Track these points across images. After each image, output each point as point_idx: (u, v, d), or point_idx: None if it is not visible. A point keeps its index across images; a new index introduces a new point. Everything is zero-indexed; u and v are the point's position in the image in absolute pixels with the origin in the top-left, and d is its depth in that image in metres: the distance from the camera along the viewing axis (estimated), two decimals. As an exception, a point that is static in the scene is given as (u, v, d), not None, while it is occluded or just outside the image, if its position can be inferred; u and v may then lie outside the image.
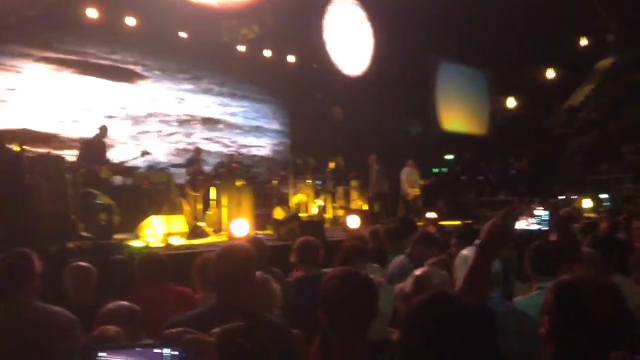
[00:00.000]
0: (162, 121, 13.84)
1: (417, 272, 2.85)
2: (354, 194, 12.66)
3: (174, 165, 11.12)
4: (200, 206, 9.99)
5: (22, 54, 11.57)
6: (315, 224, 8.45)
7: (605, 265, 3.35)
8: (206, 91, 15.15)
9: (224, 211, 9.19)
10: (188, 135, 14.26)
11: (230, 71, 15.24)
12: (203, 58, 14.32)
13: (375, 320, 2.01)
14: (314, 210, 11.47)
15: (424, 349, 1.36)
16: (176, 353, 1.22)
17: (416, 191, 12.75)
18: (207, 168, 11.20)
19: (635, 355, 1.60)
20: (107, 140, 9.59)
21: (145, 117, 13.46)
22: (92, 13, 11.81)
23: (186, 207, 9.51)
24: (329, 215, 11.93)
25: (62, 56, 12.22)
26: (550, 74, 17.45)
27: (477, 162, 17.62)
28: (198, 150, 10.97)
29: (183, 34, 13.41)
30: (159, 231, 7.38)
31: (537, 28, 15.93)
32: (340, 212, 11.99)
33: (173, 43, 13.33)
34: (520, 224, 2.15)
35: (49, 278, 3.10)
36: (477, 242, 1.97)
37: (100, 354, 1.22)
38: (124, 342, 2.10)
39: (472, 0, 14.46)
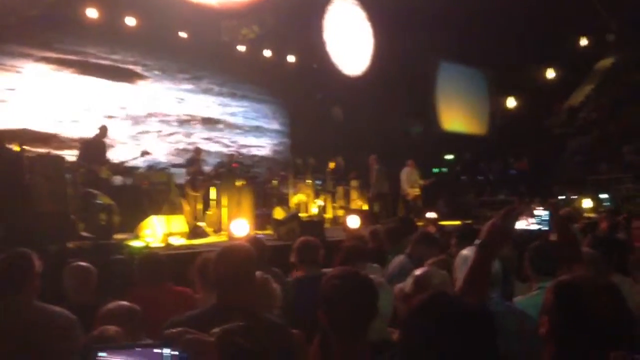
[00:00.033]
0: (162, 121, 13.85)
1: (417, 272, 2.85)
2: (354, 194, 12.66)
3: (174, 165, 11.12)
4: (200, 206, 9.99)
5: (22, 54, 11.57)
6: (315, 224, 8.45)
7: (605, 265, 3.35)
8: (206, 91, 15.15)
9: (224, 211, 9.19)
10: (188, 135, 14.26)
11: (230, 71, 15.25)
12: (203, 58, 14.33)
13: (375, 320, 2.01)
14: (314, 210, 11.47)
15: (423, 349, 1.36)
16: (176, 353, 1.22)
17: (416, 191, 12.75)
18: (207, 168, 11.21)
19: (635, 355, 1.60)
20: (107, 140, 9.59)
21: (145, 117, 13.47)
22: (92, 13, 11.81)
23: (186, 207, 9.51)
24: (329, 215, 11.93)
25: (62, 56, 12.23)
26: (550, 74, 17.44)
27: (477, 162, 17.62)
28: (198, 150, 10.97)
29: (183, 34, 13.41)
30: (159, 231, 7.38)
31: (537, 28, 15.93)
32: (340, 212, 11.99)
33: (173, 43, 13.33)
34: (520, 224, 2.14)
35: (49, 278, 3.10)
36: (477, 242, 1.97)
37: (100, 354, 1.21)
38: (124, 342, 2.10)
39: (472, 0, 14.46)
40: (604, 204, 12.44)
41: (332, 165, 12.79)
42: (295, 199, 11.54)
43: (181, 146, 13.84)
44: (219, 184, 9.78)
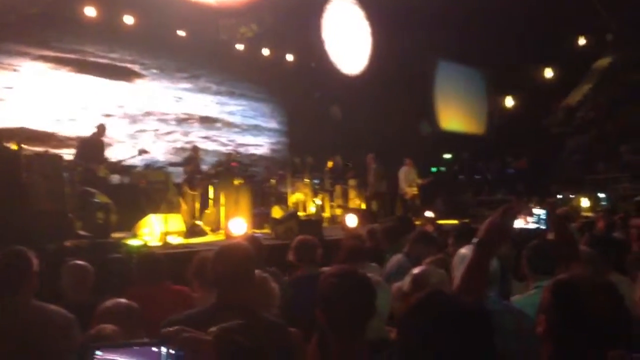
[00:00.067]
0: (160, 120, 13.82)
1: (415, 270, 2.85)
2: (352, 193, 12.67)
3: (172, 164, 11.11)
4: (198, 205, 9.98)
5: (19, 53, 11.55)
6: (313, 223, 8.46)
7: (602, 264, 3.35)
8: (204, 90, 15.13)
9: (222, 210, 9.18)
10: (186, 134, 14.24)
11: (229, 70, 15.23)
12: (201, 57, 14.30)
13: (373, 319, 2.01)
14: (312, 209, 11.48)
15: (421, 347, 1.36)
16: (173, 351, 1.22)
17: (414, 190, 12.76)
18: (204, 167, 11.19)
19: (633, 354, 1.60)
20: (105, 139, 9.58)
21: (143, 116, 13.44)
22: (90, 11, 11.79)
23: (184, 206, 9.50)
24: (327, 214, 11.94)
25: (60, 55, 12.20)
26: (549, 73, 17.46)
27: (475, 162, 17.63)
28: (195, 149, 10.95)
29: (181, 33, 13.39)
30: (156, 230, 7.38)
31: (535, 28, 15.95)
32: (339, 211, 11.99)
33: (171, 42, 13.31)
34: (519, 223, 2.15)
35: (47, 277, 3.09)
36: (475, 240, 1.97)
37: (97, 352, 1.21)
38: (121, 341, 2.10)
39: (471, 0, 14.47)
40: (602, 203, 12.47)
41: (330, 164, 12.79)
42: (293, 198, 11.54)
43: (179, 145, 13.82)
44: (217, 182, 9.77)
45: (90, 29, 12.03)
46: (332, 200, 12.50)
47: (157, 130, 13.65)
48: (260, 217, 9.89)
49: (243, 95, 15.99)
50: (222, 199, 9.21)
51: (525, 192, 14.08)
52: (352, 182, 12.78)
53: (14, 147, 6.85)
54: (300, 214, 10.23)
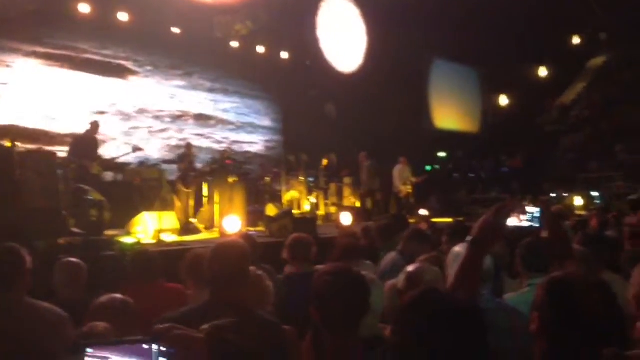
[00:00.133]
0: (154, 117, 13.78)
1: (410, 268, 2.86)
2: (347, 191, 12.67)
3: (166, 162, 11.07)
4: (192, 203, 9.96)
5: (12, 49, 11.47)
6: (308, 221, 8.46)
7: (595, 262, 3.36)
8: (198, 87, 15.09)
9: (216, 208, 9.16)
10: (180, 131, 14.19)
11: (223, 67, 15.19)
12: (195, 54, 14.25)
13: (367, 316, 2.01)
14: (306, 207, 11.47)
15: (415, 345, 1.36)
16: (164, 349, 1.22)
17: (408, 188, 12.78)
18: (198, 164, 11.16)
19: (626, 352, 1.60)
20: (98, 137, 9.54)
21: (136, 113, 13.40)
22: (84, 8, 11.71)
23: (178, 204, 9.48)
24: (321, 212, 11.94)
25: (53, 51, 12.13)
26: (543, 72, 17.52)
27: (470, 160, 17.67)
28: (189, 146, 10.92)
29: (175, 30, 13.33)
30: (150, 228, 7.36)
31: (530, 26, 15.99)
32: (333, 209, 12.00)
33: (165, 39, 13.25)
34: (512, 221, 2.15)
35: (40, 274, 3.08)
36: (468, 238, 1.98)
37: (88, 350, 1.21)
38: (112, 338, 2.09)
39: (466, -1, 14.51)
40: (595, 201, 12.53)
41: (325, 162, 12.79)
42: (288, 195, 11.53)
43: (173, 142, 13.77)
44: (211, 180, 9.75)
45: (84, 26, 11.96)
46: (326, 198, 12.50)
47: (150, 127, 13.61)
48: (254, 215, 9.88)
49: (237, 93, 15.96)
50: (217, 197, 9.20)
51: (520, 190, 14.13)
52: (346, 180, 12.79)
53: (7, 144, 6.83)
54: (295, 211, 10.23)
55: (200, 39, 13.67)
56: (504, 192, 14.65)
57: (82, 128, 9.56)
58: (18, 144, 7.90)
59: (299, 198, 11.54)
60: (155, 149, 13.09)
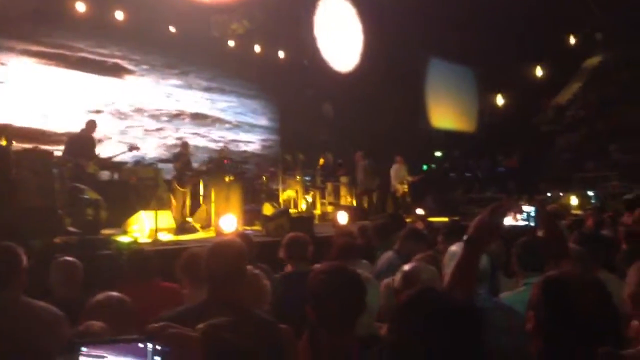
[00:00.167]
0: (150, 116, 13.75)
1: (406, 267, 2.86)
2: (343, 190, 12.67)
3: (162, 161, 11.04)
4: (188, 202, 9.94)
5: (8, 48, 11.42)
6: (304, 220, 8.45)
7: (591, 261, 3.37)
8: (195, 86, 15.06)
9: (213, 207, 9.14)
10: (176, 130, 14.17)
11: (220, 66, 15.16)
12: (192, 53, 14.22)
13: (363, 315, 2.01)
14: (303, 206, 11.47)
15: (411, 344, 1.36)
16: (159, 347, 1.22)
17: (404, 187, 12.79)
18: (195, 163, 11.14)
19: (621, 351, 1.61)
20: (94, 135, 9.51)
21: (132, 112, 13.37)
22: (80, 7, 11.69)
23: (174, 203, 9.46)
24: (318, 211, 11.93)
25: (49, 50, 12.09)
26: (539, 72, 17.57)
27: (466, 159, 17.70)
28: (185, 145, 10.90)
29: (172, 29, 13.31)
30: (146, 227, 7.34)
31: (526, 26, 16.03)
32: (330, 208, 11.99)
33: (162, 38, 13.22)
34: (508, 221, 2.15)
35: (36, 273, 3.07)
36: (465, 238, 1.98)
37: (82, 348, 1.21)
38: (107, 337, 2.09)
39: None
40: (591, 201, 12.56)
41: (321, 161, 12.78)
42: (285, 195, 11.51)
43: (169, 141, 13.75)
44: (207, 179, 9.72)
45: (81, 25, 11.93)
46: (323, 197, 12.49)
47: (147, 126, 13.58)
48: (251, 214, 9.86)
49: (234, 92, 15.93)
50: (213, 196, 9.18)
51: (516, 190, 14.15)
52: (343, 179, 12.78)
53: (3, 142, 6.82)
54: (292, 211, 10.22)
55: (196, 38, 13.65)
56: (500, 191, 14.66)
57: (78, 127, 9.52)
58: (14, 142, 7.90)
59: (296, 197, 11.53)
60: (151, 148, 13.06)
